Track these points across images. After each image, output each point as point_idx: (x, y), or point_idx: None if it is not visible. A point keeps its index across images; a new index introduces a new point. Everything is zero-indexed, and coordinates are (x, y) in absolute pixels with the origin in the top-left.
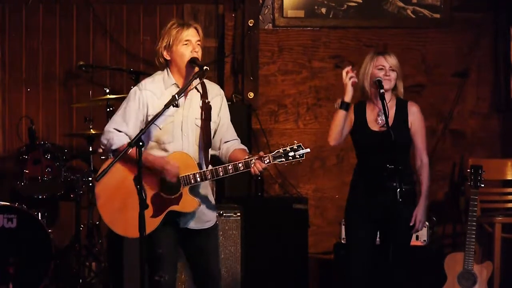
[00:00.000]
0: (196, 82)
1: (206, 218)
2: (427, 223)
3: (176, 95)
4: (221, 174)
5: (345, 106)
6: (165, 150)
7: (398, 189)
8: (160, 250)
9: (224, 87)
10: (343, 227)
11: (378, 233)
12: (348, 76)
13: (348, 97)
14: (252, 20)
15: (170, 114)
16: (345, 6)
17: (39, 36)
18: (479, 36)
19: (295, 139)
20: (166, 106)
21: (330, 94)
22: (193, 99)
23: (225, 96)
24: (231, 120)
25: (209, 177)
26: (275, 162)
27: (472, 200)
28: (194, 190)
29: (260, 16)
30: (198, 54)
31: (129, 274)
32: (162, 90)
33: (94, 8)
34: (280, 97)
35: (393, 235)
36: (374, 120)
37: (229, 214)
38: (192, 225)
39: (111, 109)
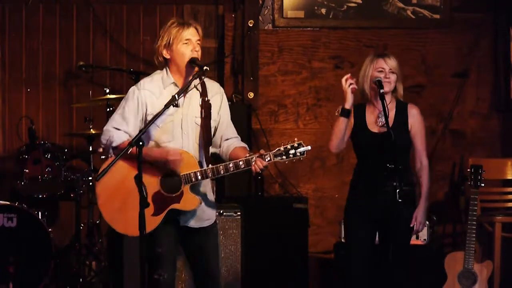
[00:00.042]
0: (196, 82)
1: (206, 216)
2: (427, 222)
3: (176, 95)
4: (222, 172)
5: (346, 113)
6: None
7: (398, 190)
8: (160, 249)
9: (224, 88)
10: (343, 226)
11: (377, 233)
12: (347, 83)
13: (348, 104)
14: (252, 21)
15: (170, 113)
16: (345, 6)
17: (39, 36)
18: (479, 36)
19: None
20: (166, 106)
21: (330, 94)
22: (193, 97)
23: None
24: (231, 120)
25: (210, 175)
26: (276, 160)
27: (472, 200)
28: (195, 188)
29: (260, 17)
30: (198, 54)
31: (129, 273)
32: (160, 89)
33: (94, 8)
34: (280, 97)
35: (393, 235)
36: (374, 122)
37: (229, 214)
38: (192, 223)
39: (111, 109)
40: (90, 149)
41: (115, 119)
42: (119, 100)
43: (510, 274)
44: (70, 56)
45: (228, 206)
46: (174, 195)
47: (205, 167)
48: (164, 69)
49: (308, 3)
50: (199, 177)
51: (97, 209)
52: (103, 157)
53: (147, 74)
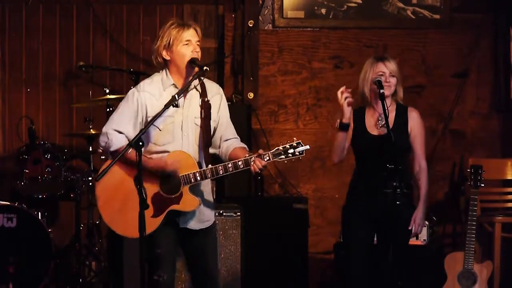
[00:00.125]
0: (196, 82)
1: (205, 217)
2: (427, 223)
3: (176, 95)
4: (221, 173)
5: (344, 127)
6: (165, 151)
7: (398, 191)
8: (159, 250)
9: (224, 88)
10: (341, 226)
11: (375, 233)
12: (343, 96)
13: (346, 118)
14: (252, 21)
15: (170, 114)
16: (345, 6)
17: (39, 36)
18: (479, 37)
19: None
20: (166, 107)
21: (330, 94)
22: (193, 98)
23: (225, 97)
24: (231, 120)
25: (209, 175)
26: (275, 159)
27: (472, 200)
28: (194, 189)
29: (260, 17)
30: (199, 55)
31: (129, 274)
32: (160, 91)
33: (94, 8)
34: (280, 98)
35: (392, 236)
36: (374, 124)
37: (229, 214)
38: (192, 224)
39: (111, 109)
40: (90, 149)
41: (114, 120)
42: (119, 100)
43: (510, 275)
44: (70, 56)
45: (228, 206)
46: (173, 196)
47: (204, 168)
48: (164, 71)
49: (308, 3)
50: (198, 178)
51: (97, 209)
52: (103, 157)
53: (147, 74)
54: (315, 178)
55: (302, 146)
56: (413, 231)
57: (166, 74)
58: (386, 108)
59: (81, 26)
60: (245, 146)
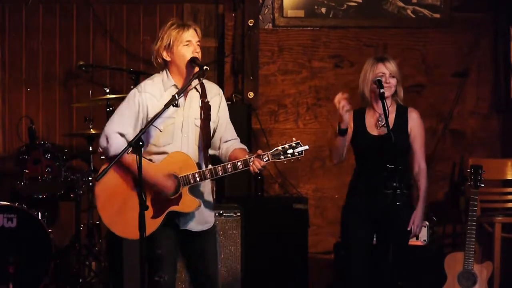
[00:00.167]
0: (195, 82)
1: (205, 219)
2: (427, 223)
3: (176, 95)
4: (220, 173)
5: (343, 132)
6: (164, 152)
7: (398, 191)
8: (160, 251)
9: (224, 87)
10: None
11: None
12: (340, 105)
13: (344, 124)
14: (252, 20)
15: (170, 115)
16: (345, 6)
17: (39, 36)
18: (479, 36)
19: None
20: (166, 106)
21: (330, 94)
22: (193, 99)
23: (225, 96)
24: (231, 120)
25: (208, 176)
26: (274, 160)
27: (472, 200)
28: (194, 190)
29: (260, 16)
30: (199, 55)
31: (129, 274)
32: (161, 91)
33: (94, 8)
34: (280, 97)
35: (392, 236)
36: (374, 125)
37: (229, 214)
38: (192, 226)
39: (111, 109)
40: (90, 149)
41: (115, 122)
42: (119, 100)
43: (510, 275)
44: (70, 56)
45: (228, 206)
46: (172, 197)
47: (204, 169)
48: (164, 71)
49: (308, 2)
50: (198, 179)
51: (97, 210)
52: (103, 157)
53: (147, 74)
54: (315, 178)
55: (301, 146)
56: (412, 232)
57: (167, 74)
58: (386, 108)
59: (81, 26)
60: (245, 147)
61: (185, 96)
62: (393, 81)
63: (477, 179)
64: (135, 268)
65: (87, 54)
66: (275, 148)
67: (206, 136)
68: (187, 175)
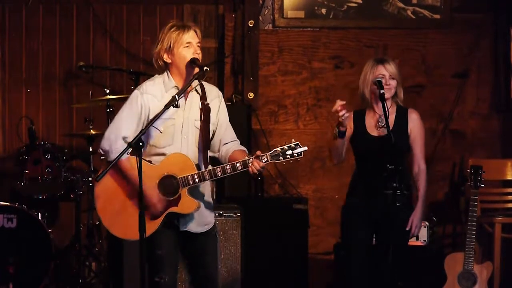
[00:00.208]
0: (195, 82)
1: (205, 220)
2: (427, 223)
3: (176, 96)
4: (219, 174)
5: (342, 134)
6: (164, 153)
7: (398, 191)
8: (160, 252)
9: (224, 88)
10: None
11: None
12: (340, 114)
13: (343, 127)
14: (252, 21)
15: (171, 117)
16: (345, 6)
17: (39, 36)
18: (479, 37)
19: (295, 140)
20: (166, 107)
21: (330, 94)
22: (193, 101)
23: (225, 97)
24: (231, 121)
25: (207, 177)
26: (273, 161)
27: (472, 200)
28: (193, 191)
29: (260, 17)
30: (199, 56)
31: (129, 274)
32: (163, 93)
33: (94, 8)
34: (280, 98)
35: (393, 236)
36: (374, 125)
37: (229, 214)
38: (192, 227)
39: (111, 109)
40: (90, 149)
41: (117, 124)
42: (119, 101)
43: (510, 275)
44: (70, 56)
45: (228, 207)
46: (172, 198)
47: (203, 170)
48: (165, 73)
49: (308, 3)
50: (197, 180)
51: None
52: (103, 158)
53: (147, 74)
54: (315, 179)
55: (300, 147)
56: (411, 232)
57: (168, 76)
58: (386, 109)
59: (81, 26)
60: (245, 149)
61: (186, 97)
62: (393, 83)
63: (477, 179)
64: (135, 269)
65: (87, 54)
66: (274, 149)
67: (205, 138)
68: (186, 176)
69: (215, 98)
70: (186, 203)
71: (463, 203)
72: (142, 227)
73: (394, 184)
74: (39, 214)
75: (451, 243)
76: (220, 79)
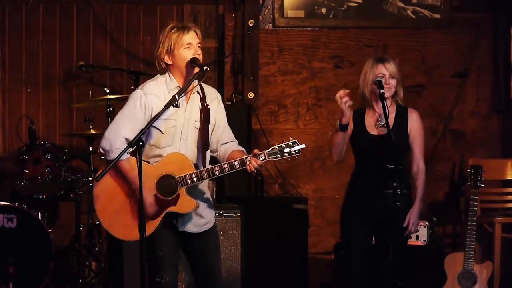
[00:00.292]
0: (196, 82)
1: (204, 220)
2: (427, 223)
3: (176, 95)
4: (217, 173)
5: (344, 127)
6: (163, 154)
7: (398, 191)
8: (161, 252)
9: (224, 87)
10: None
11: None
12: (343, 101)
13: (346, 120)
14: (252, 21)
15: (171, 117)
16: (345, 6)
17: (39, 36)
18: (479, 36)
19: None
20: (166, 106)
21: (330, 94)
22: (194, 101)
23: (225, 97)
24: (231, 120)
25: (205, 176)
26: (270, 158)
27: (472, 200)
28: (192, 191)
29: (260, 17)
30: (200, 57)
31: (129, 274)
32: (165, 93)
33: (94, 8)
34: (280, 97)
35: (392, 236)
36: (373, 124)
37: (229, 214)
38: (190, 227)
39: (111, 109)
40: (90, 149)
41: (118, 124)
42: (119, 100)
43: (510, 275)
44: (70, 56)
45: (228, 206)
46: (170, 198)
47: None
48: (167, 73)
49: (308, 2)
50: (195, 179)
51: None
52: (103, 158)
53: (147, 74)
54: (315, 179)
55: (298, 145)
56: (408, 229)
57: (170, 76)
58: (386, 108)
59: (81, 26)
60: (243, 149)
61: (187, 99)
62: (393, 82)
63: (477, 179)
64: (135, 269)
65: (87, 54)
66: (272, 147)
67: (204, 138)
68: (184, 175)
69: (214, 99)
70: (185, 202)
71: (463, 203)
72: (142, 227)
73: (394, 184)
74: (39, 214)
75: (451, 243)
76: (220, 79)
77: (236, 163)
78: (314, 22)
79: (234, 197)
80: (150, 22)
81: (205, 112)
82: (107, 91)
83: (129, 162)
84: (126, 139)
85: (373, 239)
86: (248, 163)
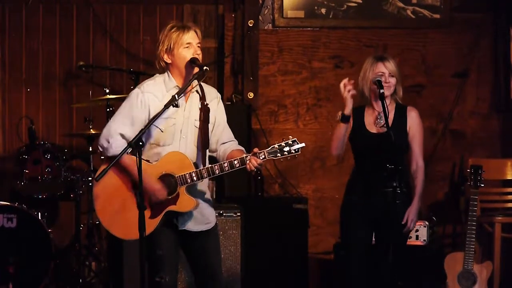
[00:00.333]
0: (195, 82)
1: (205, 219)
2: (427, 223)
3: (176, 95)
4: (217, 172)
5: (345, 118)
6: (162, 152)
7: (398, 190)
8: (161, 252)
9: (224, 87)
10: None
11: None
12: (346, 89)
13: (348, 110)
14: (252, 21)
15: (171, 116)
16: (345, 6)
17: (39, 36)
18: (479, 36)
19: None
20: (166, 106)
21: (330, 94)
22: (193, 101)
23: (225, 97)
24: (231, 120)
25: (205, 175)
26: (270, 157)
27: (472, 200)
28: (192, 190)
29: (260, 17)
30: (199, 57)
31: (129, 274)
32: (163, 92)
33: (94, 8)
34: (280, 97)
35: (392, 235)
36: (373, 122)
37: (229, 214)
38: (191, 226)
39: (111, 109)
40: (90, 149)
41: (116, 122)
42: (119, 100)
43: (510, 275)
44: (70, 56)
45: (228, 206)
46: (170, 197)
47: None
48: (166, 73)
49: (308, 3)
50: (195, 178)
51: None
52: (103, 157)
53: (147, 74)
54: (315, 179)
55: (297, 144)
56: (406, 226)
57: (169, 76)
58: (386, 108)
59: (81, 26)
60: (243, 148)
61: (186, 98)
62: (392, 81)
63: (477, 179)
64: (135, 269)
65: (87, 54)
66: (272, 146)
67: (204, 137)
68: (184, 174)
69: (214, 98)
70: (185, 201)
71: (463, 203)
72: (142, 227)
73: (394, 184)
74: (39, 214)
75: (451, 243)
76: (220, 79)
77: (236, 162)
78: (314, 22)
79: (234, 197)
80: (150, 22)
81: (204, 111)
82: (107, 91)
83: (130, 157)
84: (122, 135)
85: (373, 239)
86: (248, 162)
